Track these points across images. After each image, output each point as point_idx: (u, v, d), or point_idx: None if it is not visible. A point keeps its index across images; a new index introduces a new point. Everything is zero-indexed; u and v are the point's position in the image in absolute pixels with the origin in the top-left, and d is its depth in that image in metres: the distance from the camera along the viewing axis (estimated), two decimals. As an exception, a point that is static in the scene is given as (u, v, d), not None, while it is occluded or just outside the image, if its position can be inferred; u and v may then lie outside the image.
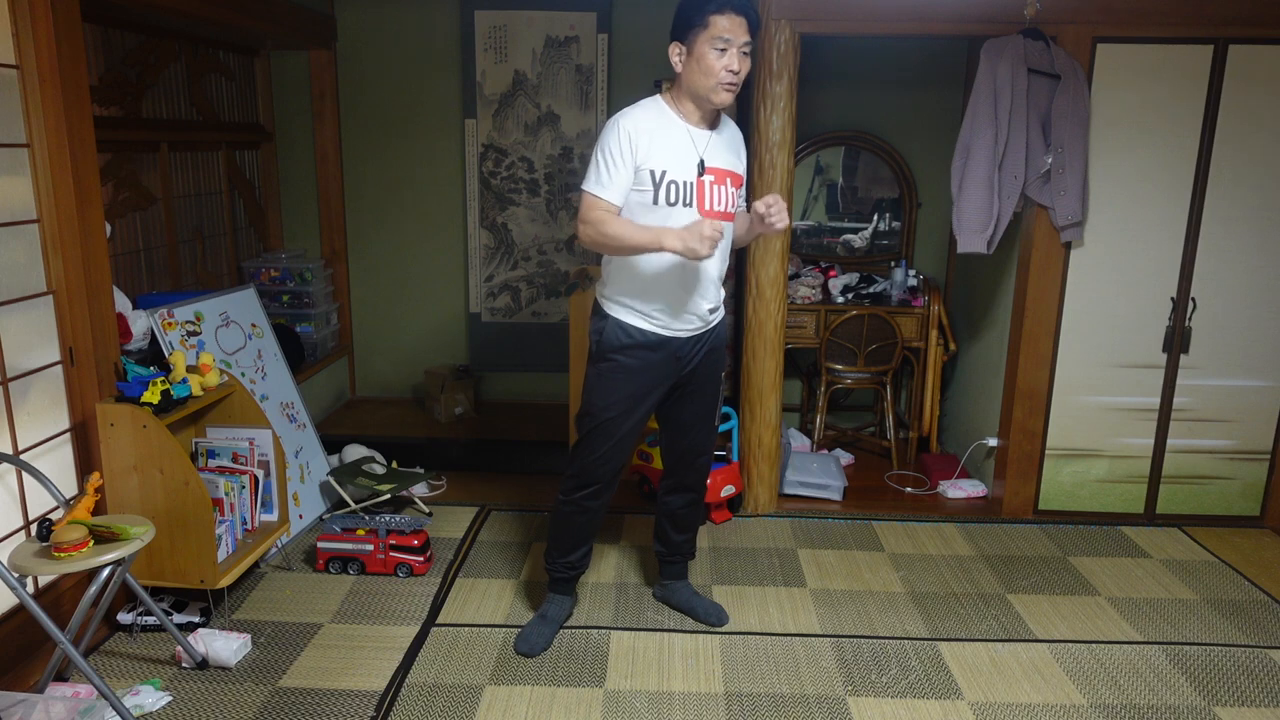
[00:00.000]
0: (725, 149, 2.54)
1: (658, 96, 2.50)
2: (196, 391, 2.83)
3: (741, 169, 2.59)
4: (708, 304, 2.57)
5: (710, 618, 2.87)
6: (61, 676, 2.45)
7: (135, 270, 3.56)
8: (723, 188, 2.50)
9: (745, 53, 2.38)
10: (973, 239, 3.38)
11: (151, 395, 2.63)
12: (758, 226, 2.48)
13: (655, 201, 2.42)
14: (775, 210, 2.39)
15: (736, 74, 2.37)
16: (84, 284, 2.64)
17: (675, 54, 2.43)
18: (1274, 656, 2.75)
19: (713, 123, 2.51)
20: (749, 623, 2.88)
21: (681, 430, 2.75)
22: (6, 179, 2.48)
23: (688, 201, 2.44)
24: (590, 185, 2.43)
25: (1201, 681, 2.61)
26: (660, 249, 2.34)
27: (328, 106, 4.53)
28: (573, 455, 2.69)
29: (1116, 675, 2.63)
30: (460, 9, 4.44)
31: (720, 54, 2.35)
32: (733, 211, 2.55)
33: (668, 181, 2.42)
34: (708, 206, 2.46)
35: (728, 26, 2.34)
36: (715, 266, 2.56)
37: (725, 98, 2.42)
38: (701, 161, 2.45)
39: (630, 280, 2.51)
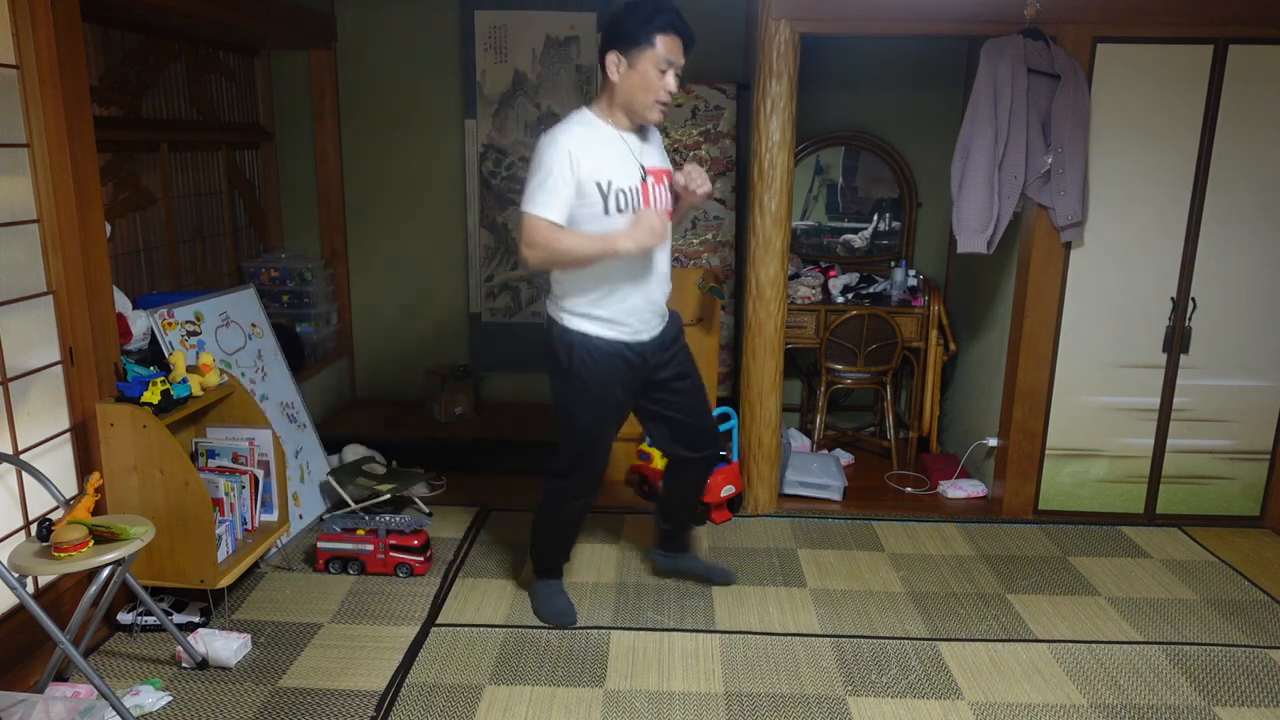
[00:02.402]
0: (654, 149, 2.63)
1: (585, 110, 2.53)
2: (196, 391, 2.83)
3: (668, 163, 2.68)
4: (663, 298, 2.65)
5: (723, 578, 3.07)
6: (61, 676, 2.45)
7: (135, 270, 3.56)
8: (661, 187, 2.58)
9: (678, 74, 2.46)
10: (973, 239, 3.38)
11: (151, 395, 2.63)
12: (685, 198, 2.57)
13: (606, 211, 2.45)
14: (694, 178, 2.49)
15: (672, 95, 2.47)
16: (84, 284, 2.64)
17: (613, 64, 2.43)
18: (1274, 656, 2.75)
19: (639, 128, 2.58)
20: (749, 623, 2.88)
21: (684, 408, 2.77)
22: (6, 179, 2.48)
23: (635, 206, 2.49)
24: (534, 207, 2.40)
25: (1201, 681, 2.61)
26: (615, 254, 2.41)
27: (328, 106, 4.53)
28: (566, 469, 2.72)
29: (1116, 675, 2.63)
30: (460, 9, 4.43)
31: (661, 75, 2.42)
32: (670, 208, 2.63)
33: (615, 190, 2.45)
34: (655, 206, 2.52)
35: (672, 48, 2.41)
36: (664, 262, 2.64)
37: (659, 117, 2.51)
38: (642, 166, 2.53)
39: (590, 290, 2.52)
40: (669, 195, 2.61)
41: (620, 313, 2.54)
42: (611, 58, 2.43)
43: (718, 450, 2.95)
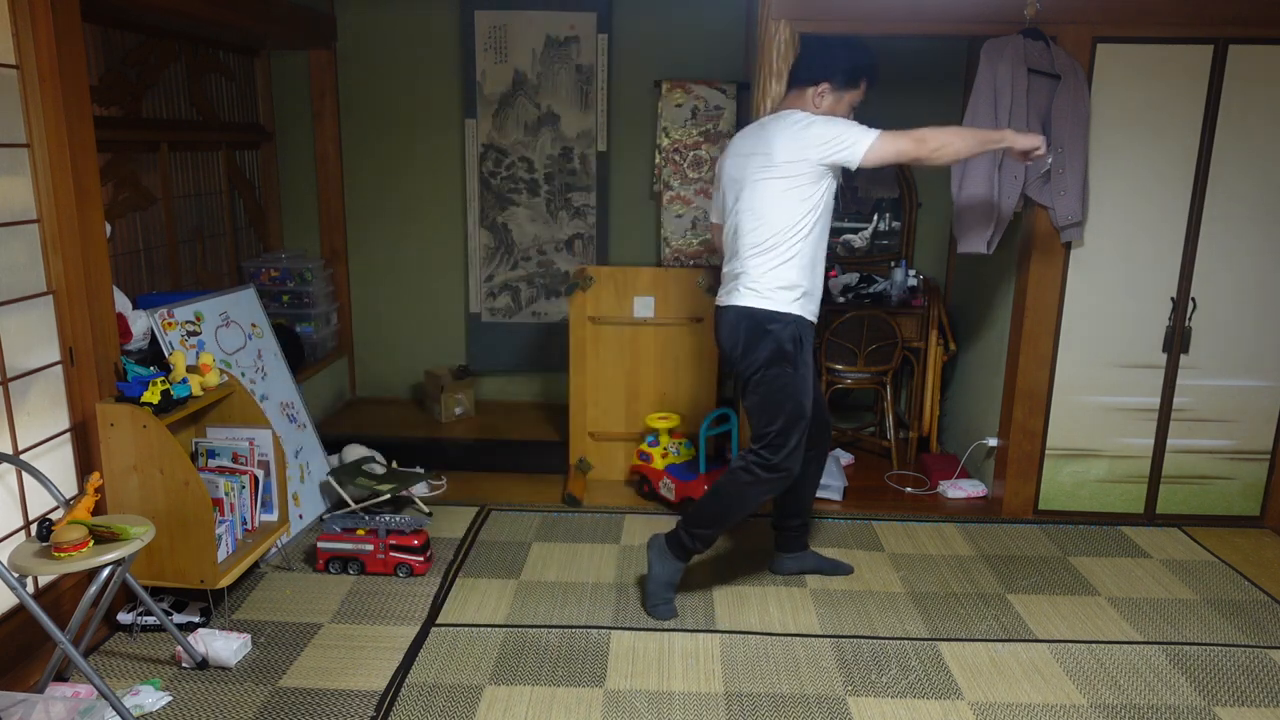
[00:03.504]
0: None
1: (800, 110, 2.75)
2: (196, 391, 2.83)
3: None
4: None
5: (844, 569, 3.20)
6: (61, 676, 2.45)
7: (135, 270, 3.56)
8: None
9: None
10: (973, 239, 3.38)
11: (151, 395, 2.63)
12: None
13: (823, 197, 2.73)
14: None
15: None
16: (84, 284, 2.64)
17: (820, 92, 2.72)
18: (1274, 656, 2.75)
19: None
20: (749, 623, 2.88)
21: (818, 397, 2.90)
22: (6, 179, 2.48)
23: None
24: (870, 133, 2.59)
25: (1201, 681, 2.61)
26: (1002, 143, 2.72)
27: (328, 106, 4.53)
28: (781, 462, 2.74)
29: (1116, 675, 2.63)
30: (460, 9, 4.43)
31: (850, 111, 2.75)
32: None
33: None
34: None
35: (863, 94, 2.75)
36: None
37: None
38: None
39: (805, 276, 2.70)
40: None
41: (816, 287, 2.75)
42: (823, 87, 2.71)
43: (830, 443, 3.12)
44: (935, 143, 2.59)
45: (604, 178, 4.59)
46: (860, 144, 2.58)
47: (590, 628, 2.84)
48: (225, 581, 2.73)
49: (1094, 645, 2.79)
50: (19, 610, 2.49)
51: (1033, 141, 2.70)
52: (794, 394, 2.71)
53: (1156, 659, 2.72)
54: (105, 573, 2.38)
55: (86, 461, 2.73)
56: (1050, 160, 3.33)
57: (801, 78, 2.77)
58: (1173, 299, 3.53)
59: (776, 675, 2.60)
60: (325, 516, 3.45)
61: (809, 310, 2.75)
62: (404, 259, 4.76)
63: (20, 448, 2.52)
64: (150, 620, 2.71)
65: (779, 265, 2.68)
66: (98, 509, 2.52)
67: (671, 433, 3.86)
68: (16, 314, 2.51)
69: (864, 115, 2.75)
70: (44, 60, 2.48)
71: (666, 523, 3.56)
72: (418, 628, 2.82)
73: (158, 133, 3.67)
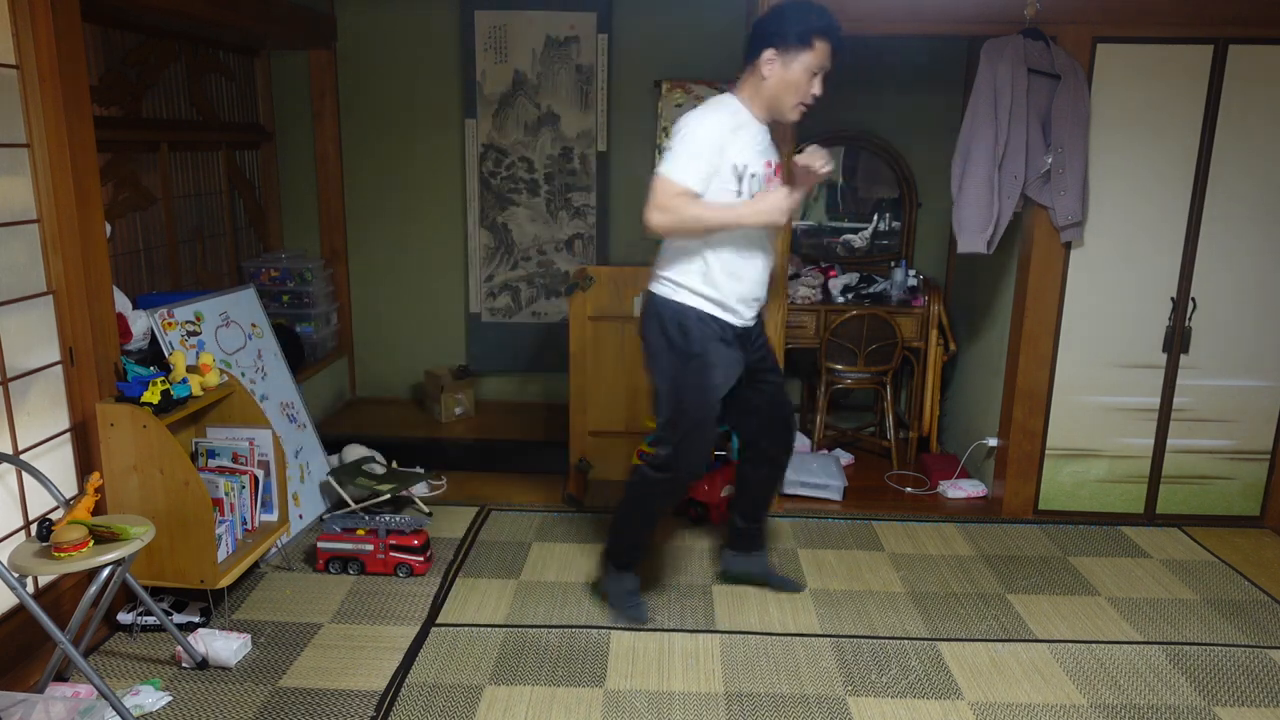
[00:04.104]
0: (773, 144, 2.69)
1: (731, 97, 2.58)
2: (196, 391, 2.83)
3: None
4: (765, 291, 2.73)
5: (792, 586, 3.08)
6: (61, 676, 2.45)
7: (135, 270, 3.56)
8: (778, 179, 2.65)
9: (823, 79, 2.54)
10: (973, 239, 3.38)
11: (151, 395, 2.63)
12: (804, 179, 2.59)
13: (739, 194, 2.52)
14: (816, 158, 2.52)
15: (816, 98, 2.54)
16: (84, 284, 2.64)
17: (768, 60, 2.48)
18: (1274, 656, 2.75)
19: (771, 123, 2.66)
20: (749, 623, 2.88)
21: (773, 399, 2.83)
22: (6, 179, 2.48)
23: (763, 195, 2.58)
24: (674, 172, 2.43)
25: (1201, 681, 2.61)
26: (738, 224, 2.49)
27: (328, 106, 4.53)
28: (667, 460, 2.66)
29: (1116, 675, 2.63)
30: (460, 9, 4.43)
31: (811, 78, 2.50)
32: None
33: (749, 175, 2.52)
34: None
35: (826, 55, 2.48)
36: (772, 254, 2.72)
37: (797, 117, 2.59)
38: (769, 160, 2.61)
39: (703, 267, 2.56)
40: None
41: (735, 299, 2.60)
42: (768, 54, 2.48)
43: (790, 455, 2.96)
44: (667, 221, 2.44)
45: (604, 178, 4.59)
46: (661, 177, 2.43)
47: (590, 628, 2.84)
48: (225, 581, 2.73)
49: (1094, 645, 2.79)
50: (19, 610, 2.49)
51: (778, 204, 2.48)
52: (683, 388, 2.60)
53: (1156, 659, 2.72)
54: (105, 573, 2.38)
55: (86, 461, 2.73)
56: (1050, 160, 3.33)
57: (750, 50, 2.54)
58: (1173, 299, 3.53)
59: (776, 675, 2.60)
60: (325, 516, 3.45)
61: (717, 306, 2.58)
62: (404, 259, 4.76)
63: (20, 448, 2.52)
64: (150, 620, 2.71)
65: (677, 257, 2.60)
66: (98, 509, 2.52)
67: (671, 433, 3.85)
68: (16, 314, 2.51)
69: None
70: (44, 60, 2.48)
71: (666, 523, 3.57)
72: (418, 628, 2.82)
73: (158, 133, 3.67)
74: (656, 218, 2.45)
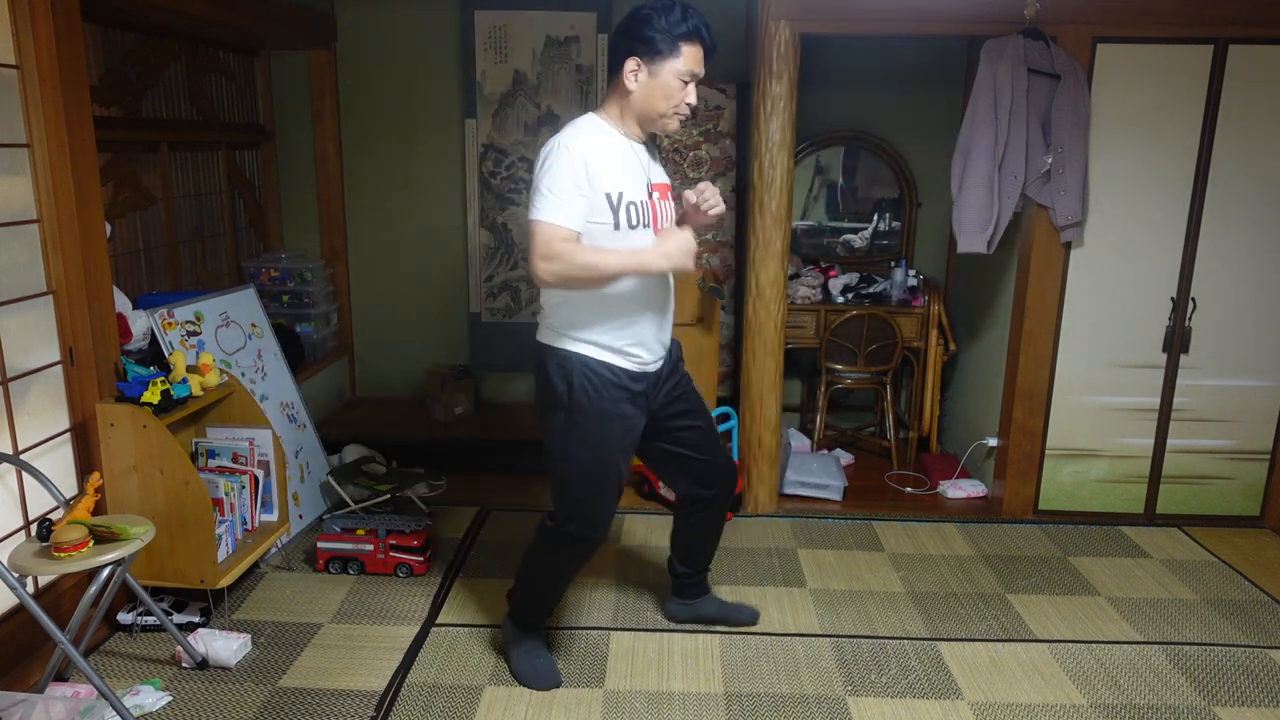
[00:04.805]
0: (657, 162, 2.44)
1: (593, 116, 2.32)
2: (196, 391, 2.83)
3: (669, 178, 2.49)
4: (669, 327, 2.46)
5: (746, 618, 2.85)
6: (61, 676, 2.45)
7: (135, 270, 3.56)
8: (666, 202, 2.39)
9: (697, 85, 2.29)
10: (973, 239, 3.38)
11: (151, 395, 2.63)
12: (693, 218, 2.33)
13: (616, 227, 2.23)
14: (708, 197, 2.27)
15: (691, 106, 2.29)
16: (84, 284, 2.64)
17: (631, 71, 2.22)
18: (1274, 656, 2.75)
19: (649, 138, 2.40)
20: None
21: (694, 442, 2.56)
22: (6, 179, 2.48)
23: (646, 222, 2.29)
24: (549, 215, 2.14)
25: (1201, 681, 2.61)
26: (644, 271, 2.23)
27: (328, 106, 4.53)
28: (564, 517, 2.42)
29: (1116, 675, 2.63)
30: (460, 9, 4.43)
31: (683, 85, 2.24)
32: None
33: (626, 203, 2.24)
34: (661, 224, 2.35)
35: (696, 58, 2.23)
36: (671, 288, 2.45)
37: (675, 128, 2.32)
38: (649, 180, 2.34)
39: (600, 314, 2.28)
40: (674, 211, 2.43)
41: (629, 341, 2.31)
42: (630, 64, 2.22)
43: (734, 485, 2.70)
44: (558, 269, 2.15)
45: (604, 178, 4.59)
46: (537, 222, 2.16)
47: (590, 628, 2.83)
48: (225, 581, 2.73)
49: (1094, 645, 2.79)
50: (19, 610, 2.49)
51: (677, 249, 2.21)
52: (569, 448, 2.32)
53: (1156, 659, 2.72)
54: (105, 573, 2.38)
55: (86, 461, 2.73)
56: (1050, 160, 3.33)
57: (612, 61, 2.28)
58: (1173, 299, 3.53)
59: (776, 675, 2.60)
60: (325, 516, 3.44)
61: (612, 352, 2.30)
62: (404, 259, 4.76)
63: (20, 448, 2.52)
64: (150, 620, 2.71)
65: (564, 298, 2.29)
66: (98, 509, 2.52)
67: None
68: (16, 314, 2.51)
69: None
70: (44, 60, 2.48)
71: (666, 523, 3.56)
72: (418, 628, 2.82)
73: (158, 133, 3.67)
74: (545, 267, 2.14)
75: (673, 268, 2.24)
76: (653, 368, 2.40)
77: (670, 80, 2.23)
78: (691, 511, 2.71)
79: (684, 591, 2.85)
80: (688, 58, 2.22)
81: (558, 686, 2.52)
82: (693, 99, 2.28)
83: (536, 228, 2.16)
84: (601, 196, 2.21)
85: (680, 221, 2.39)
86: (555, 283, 2.20)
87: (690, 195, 2.31)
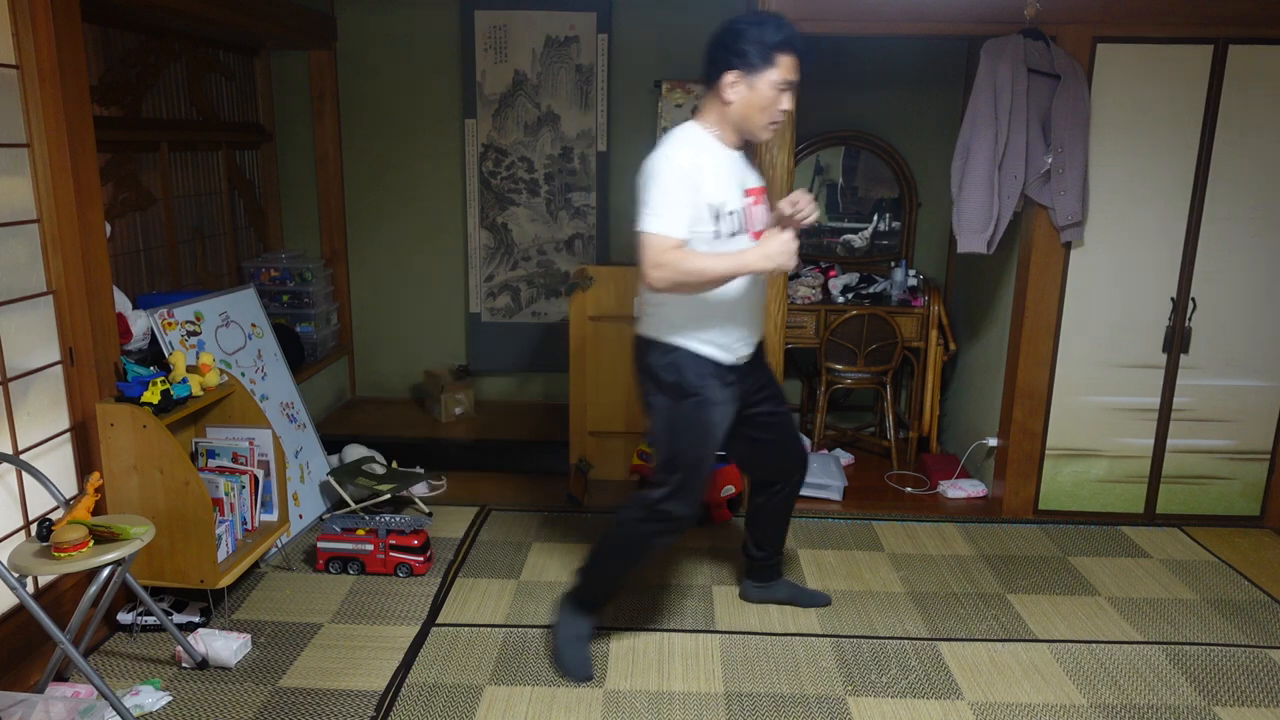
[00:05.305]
0: (749, 166, 2.55)
1: (695, 126, 2.43)
2: (196, 391, 2.83)
3: (762, 180, 2.61)
4: (762, 322, 2.62)
5: (820, 601, 3.00)
6: (61, 676, 2.45)
7: (135, 270, 3.56)
8: (759, 207, 2.51)
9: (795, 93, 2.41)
10: (973, 239, 3.38)
11: (151, 395, 2.63)
12: (787, 223, 2.45)
13: (717, 235, 2.36)
14: (802, 206, 2.41)
15: (786, 114, 2.40)
16: (84, 284, 2.64)
17: (730, 83, 2.32)
18: (1274, 656, 2.75)
19: (744, 145, 2.50)
20: (749, 623, 2.88)
21: (777, 430, 2.72)
22: (6, 179, 2.48)
23: (741, 229, 2.41)
24: (655, 225, 2.27)
25: (1201, 681, 2.61)
26: (747, 272, 2.34)
27: (328, 106, 4.53)
28: (664, 499, 2.50)
29: (1116, 675, 2.63)
30: (460, 9, 4.44)
31: (780, 94, 2.34)
32: (765, 227, 2.52)
33: (725, 213, 2.37)
34: (754, 228, 2.46)
35: (791, 68, 2.33)
36: (764, 287, 2.59)
37: (770, 136, 2.47)
38: (743, 187, 2.46)
39: (701, 311, 2.42)
40: (767, 213, 2.54)
41: (726, 335, 2.46)
42: (729, 77, 2.31)
43: (806, 470, 2.86)
44: (667, 277, 2.27)
45: (604, 178, 4.59)
46: (647, 234, 2.27)
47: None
48: (225, 581, 2.73)
49: (1094, 645, 2.79)
50: (19, 610, 2.49)
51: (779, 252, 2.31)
52: (676, 433, 2.47)
53: (1156, 659, 2.72)
54: (105, 573, 2.39)
55: (86, 461, 2.73)
56: (1050, 160, 3.33)
57: (710, 73, 2.38)
58: (1173, 299, 3.53)
59: (776, 675, 2.60)
60: (325, 516, 3.44)
61: (712, 346, 2.45)
62: (404, 258, 4.76)
63: (20, 448, 2.52)
64: (150, 620, 2.71)
65: (664, 299, 2.42)
66: (98, 509, 2.52)
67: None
68: (16, 314, 2.51)
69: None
70: (44, 60, 2.48)
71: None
72: (418, 628, 2.82)
73: (158, 133, 3.67)
74: (655, 275, 2.27)
75: (774, 268, 2.32)
76: (745, 360, 2.55)
77: (767, 91, 2.33)
78: (769, 496, 2.85)
79: (760, 574, 2.99)
80: (783, 68, 2.32)
81: (589, 680, 2.58)
82: (789, 106, 2.38)
83: (646, 239, 2.28)
84: (705, 206, 2.33)
85: (776, 224, 2.51)
86: (666, 288, 2.31)
87: (785, 206, 2.43)
